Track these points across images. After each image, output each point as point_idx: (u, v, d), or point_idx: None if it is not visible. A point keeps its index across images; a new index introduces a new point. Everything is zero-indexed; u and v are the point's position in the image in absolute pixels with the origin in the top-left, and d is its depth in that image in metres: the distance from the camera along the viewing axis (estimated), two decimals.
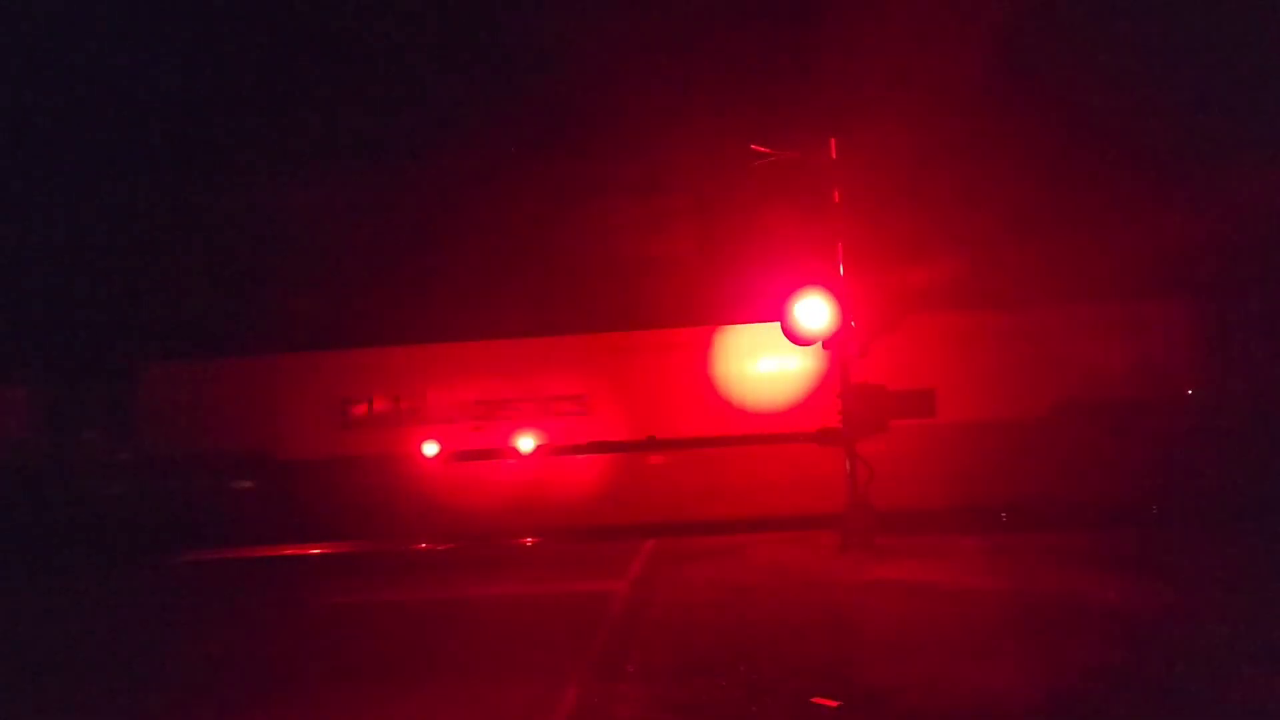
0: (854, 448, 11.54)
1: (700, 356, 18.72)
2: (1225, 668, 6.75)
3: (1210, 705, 6.23)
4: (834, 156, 11.67)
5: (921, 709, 6.33)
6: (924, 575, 9.84)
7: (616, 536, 13.42)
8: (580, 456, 17.46)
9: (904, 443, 12.52)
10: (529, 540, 14.15)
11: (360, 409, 18.00)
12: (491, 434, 17.08)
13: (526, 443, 15.20)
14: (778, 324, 11.36)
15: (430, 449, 14.96)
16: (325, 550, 14.27)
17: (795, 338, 11.38)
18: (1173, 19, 14.44)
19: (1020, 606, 8.49)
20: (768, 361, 18.53)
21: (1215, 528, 11.66)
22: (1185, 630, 7.67)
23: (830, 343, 11.61)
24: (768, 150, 11.95)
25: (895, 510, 11.81)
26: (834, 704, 6.44)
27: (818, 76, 13.88)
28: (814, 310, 11.18)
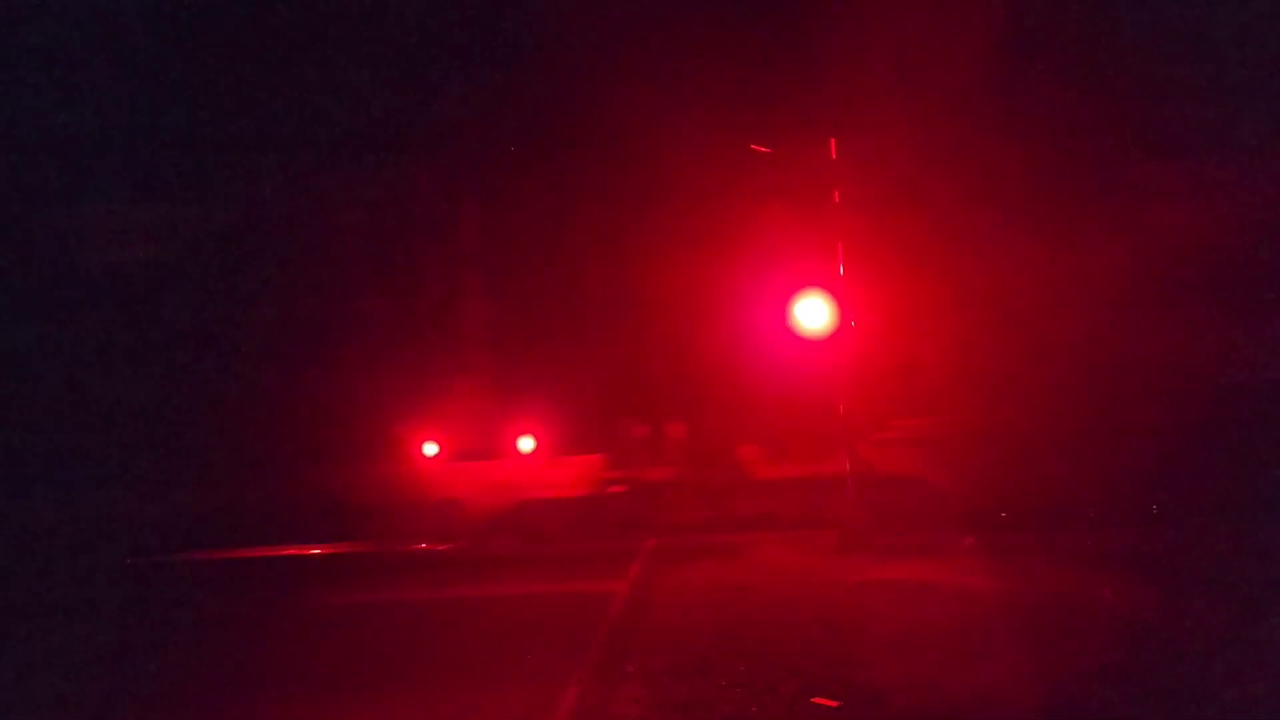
0: (854, 448, 11.56)
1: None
2: (1225, 668, 6.75)
3: (1210, 705, 6.23)
4: (834, 156, 11.70)
5: (921, 708, 6.33)
6: (924, 575, 9.85)
7: (616, 537, 13.40)
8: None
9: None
10: (528, 540, 14.13)
11: None
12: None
13: (527, 443, 15.17)
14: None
15: (430, 449, 14.94)
16: (325, 550, 14.25)
17: (794, 338, 11.39)
18: (1183, 13, 14.38)
19: (1020, 606, 8.50)
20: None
21: (1216, 527, 11.66)
22: (1185, 630, 7.67)
23: (830, 343, 11.63)
24: (767, 150, 11.99)
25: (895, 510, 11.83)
26: (834, 704, 6.45)
27: (818, 76, 13.86)
28: (814, 310, 11.20)
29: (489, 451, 15.02)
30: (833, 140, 11.69)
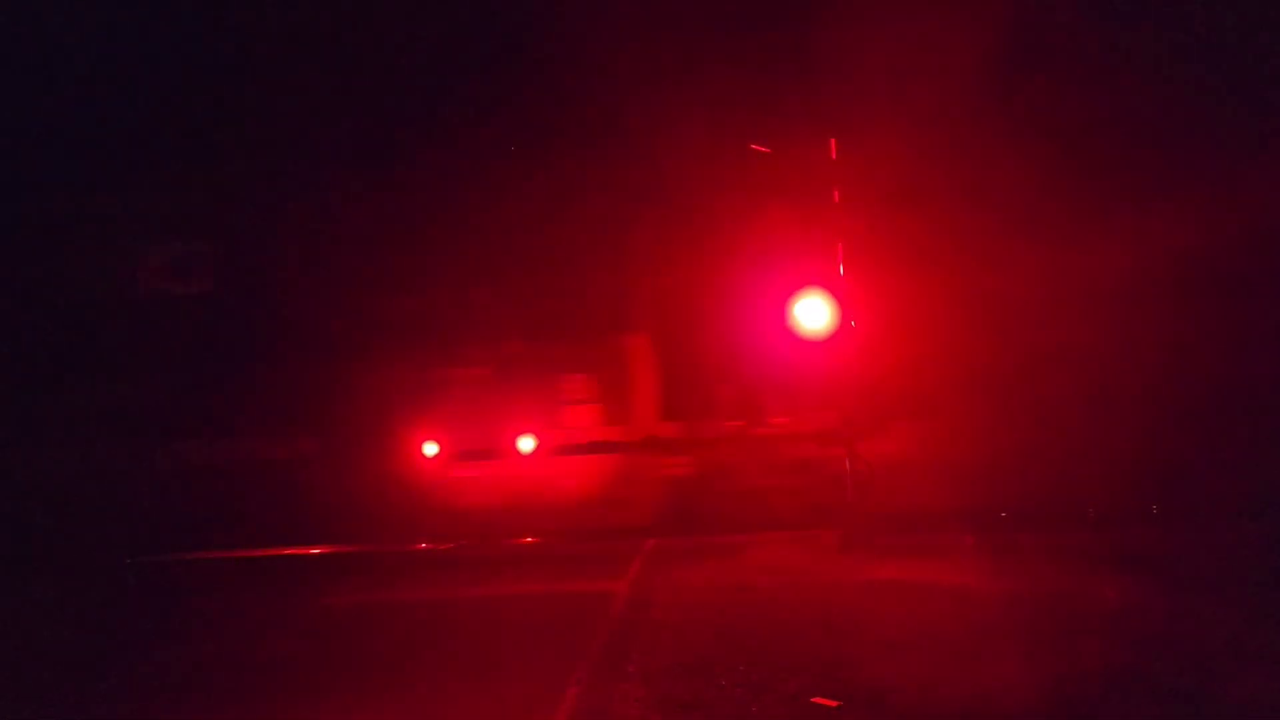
0: (854, 448, 11.56)
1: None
2: (1225, 668, 6.75)
3: (1210, 705, 6.23)
4: (834, 156, 11.71)
5: (921, 708, 6.33)
6: (924, 575, 9.85)
7: (616, 537, 13.41)
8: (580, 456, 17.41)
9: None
10: (529, 540, 14.15)
11: None
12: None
13: (527, 443, 15.20)
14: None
15: (430, 449, 14.97)
16: (325, 550, 14.26)
17: (794, 337, 11.39)
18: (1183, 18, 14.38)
19: (1020, 606, 8.50)
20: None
21: (1216, 528, 11.67)
22: (1185, 630, 7.67)
23: (830, 343, 11.64)
24: (767, 150, 12.00)
25: (895, 510, 11.84)
26: (834, 704, 6.44)
27: (818, 76, 13.88)
28: (814, 310, 11.20)
29: (489, 451, 15.05)
30: (833, 140, 11.70)
